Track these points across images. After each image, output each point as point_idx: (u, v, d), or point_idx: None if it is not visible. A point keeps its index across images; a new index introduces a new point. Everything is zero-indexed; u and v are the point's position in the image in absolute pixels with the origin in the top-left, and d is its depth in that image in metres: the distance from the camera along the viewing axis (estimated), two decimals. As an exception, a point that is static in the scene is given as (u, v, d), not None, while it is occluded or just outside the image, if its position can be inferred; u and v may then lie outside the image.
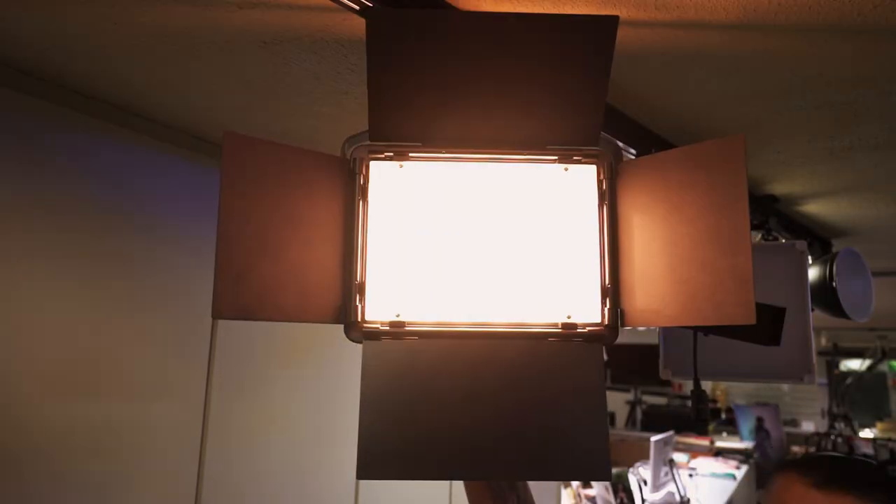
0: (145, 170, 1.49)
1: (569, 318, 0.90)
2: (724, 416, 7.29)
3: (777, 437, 5.85)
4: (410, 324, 0.89)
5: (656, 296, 0.87)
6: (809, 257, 1.88)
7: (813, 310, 1.79)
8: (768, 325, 1.13)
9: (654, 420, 6.45)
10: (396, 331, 0.89)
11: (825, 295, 2.06)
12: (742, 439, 5.97)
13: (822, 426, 7.05)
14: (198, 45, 1.11)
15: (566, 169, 0.94)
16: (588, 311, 0.91)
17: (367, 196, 0.91)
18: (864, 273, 2.23)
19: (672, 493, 3.44)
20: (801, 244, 1.63)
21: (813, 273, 2.07)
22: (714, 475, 4.44)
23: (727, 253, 0.80)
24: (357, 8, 0.92)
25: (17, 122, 1.26)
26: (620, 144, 1.35)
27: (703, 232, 0.83)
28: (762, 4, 0.93)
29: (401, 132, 0.92)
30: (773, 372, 1.55)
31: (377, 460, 0.83)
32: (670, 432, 3.81)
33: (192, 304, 1.55)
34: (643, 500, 3.31)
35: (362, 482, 1.96)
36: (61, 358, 1.31)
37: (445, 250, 0.91)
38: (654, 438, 3.54)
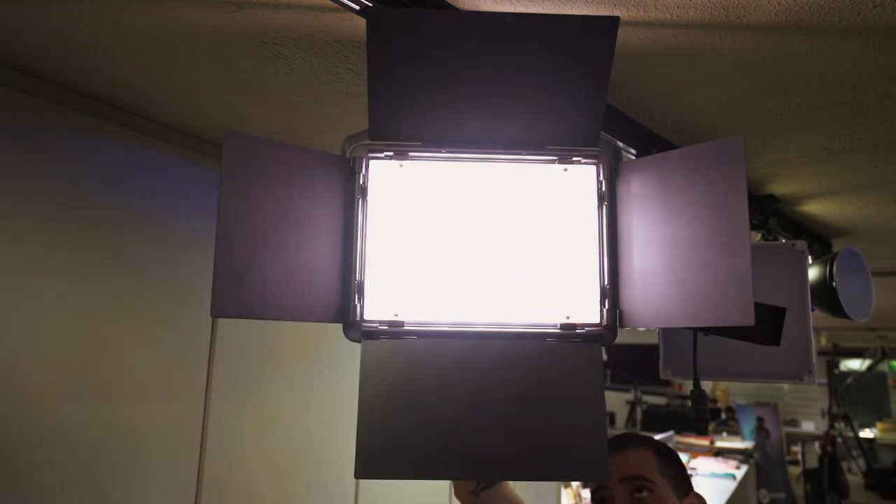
0: (145, 170, 1.49)
1: (568, 318, 0.90)
2: (723, 416, 7.30)
3: (777, 438, 5.85)
4: (409, 323, 0.89)
5: (655, 296, 0.87)
6: (809, 257, 1.88)
7: (813, 310, 1.79)
8: (768, 325, 1.13)
9: (654, 420, 6.45)
10: (395, 330, 0.89)
11: (825, 295, 2.06)
12: (743, 439, 5.98)
13: (822, 426, 7.05)
14: (198, 45, 1.11)
15: (566, 169, 0.94)
16: (587, 311, 0.91)
17: (366, 195, 0.91)
18: (864, 273, 2.23)
19: (672, 493, 3.44)
20: (801, 244, 1.63)
21: (813, 273, 2.07)
22: (714, 475, 4.44)
23: (726, 254, 0.80)
24: (357, 8, 0.92)
25: (17, 122, 1.26)
26: (620, 144, 1.36)
27: (703, 233, 0.83)
28: (762, 4, 0.93)
29: (401, 132, 0.92)
30: (773, 372, 1.55)
31: (376, 460, 0.83)
32: (670, 432, 3.81)
33: (192, 303, 1.56)
34: (643, 500, 3.31)
35: (362, 482, 1.96)
36: (61, 358, 1.31)
37: (444, 250, 0.91)
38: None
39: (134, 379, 1.43)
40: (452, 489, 1.17)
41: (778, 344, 1.11)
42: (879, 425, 7.95)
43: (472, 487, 1.10)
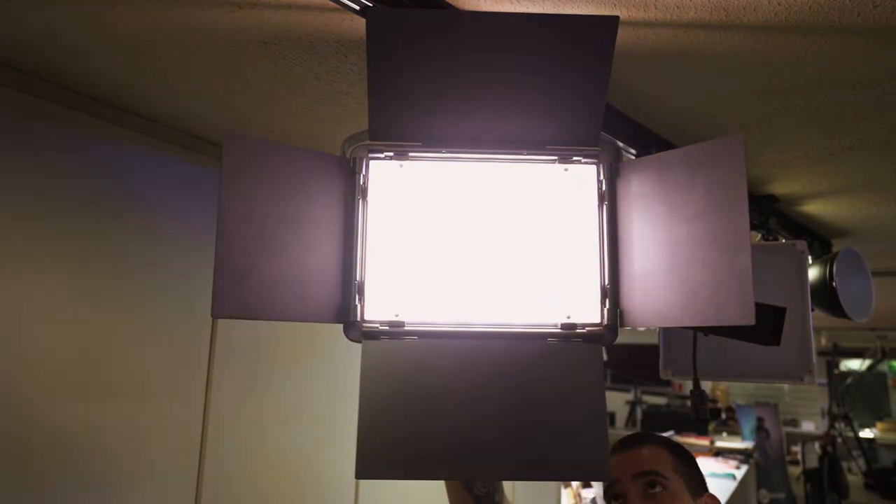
0: (145, 170, 1.49)
1: (568, 318, 0.90)
2: (723, 416, 7.30)
3: (777, 437, 5.85)
4: (409, 323, 0.89)
5: (656, 296, 0.87)
6: (809, 257, 1.88)
7: (813, 310, 1.79)
8: (768, 325, 1.13)
9: (654, 420, 6.45)
10: (395, 330, 0.89)
11: (825, 295, 2.06)
12: (743, 439, 5.98)
13: (822, 426, 7.05)
14: (198, 45, 1.11)
15: (566, 169, 0.94)
16: (587, 311, 0.91)
17: (366, 196, 0.91)
18: (864, 273, 2.23)
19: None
20: (801, 244, 1.63)
21: (813, 273, 2.07)
22: (714, 475, 4.43)
23: (727, 253, 0.80)
24: (357, 8, 0.92)
25: (18, 122, 1.26)
26: (620, 144, 1.36)
27: (703, 232, 0.83)
28: (762, 4, 0.93)
29: (401, 132, 0.92)
30: (773, 372, 1.54)
31: (376, 460, 0.83)
32: (670, 432, 3.81)
33: (193, 304, 1.55)
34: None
35: (362, 482, 1.96)
36: (61, 358, 1.31)
37: (445, 250, 0.91)
38: (654, 438, 3.53)
39: (134, 379, 1.43)
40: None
41: (778, 344, 1.11)
42: (879, 425, 7.95)
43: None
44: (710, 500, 1.16)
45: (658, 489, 1.10)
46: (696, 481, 1.16)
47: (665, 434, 3.75)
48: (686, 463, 1.17)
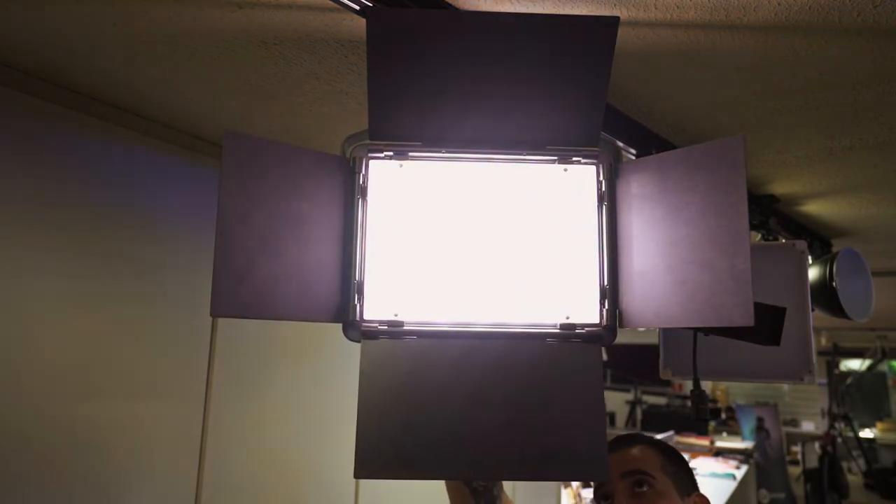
0: (145, 170, 1.49)
1: (567, 318, 0.90)
2: (723, 416, 7.30)
3: (777, 438, 5.85)
4: (409, 323, 0.89)
5: (655, 296, 0.87)
6: (809, 257, 1.88)
7: (813, 310, 1.79)
8: (768, 325, 1.13)
9: (654, 420, 6.46)
10: (395, 330, 0.89)
11: (825, 295, 2.06)
12: (743, 439, 5.98)
13: (822, 426, 7.05)
14: (198, 45, 1.11)
15: (566, 169, 0.94)
16: (587, 311, 0.91)
17: (366, 195, 0.91)
18: (864, 273, 2.23)
19: (672, 493, 3.43)
20: (801, 244, 1.63)
21: (813, 273, 2.07)
22: (714, 475, 4.44)
23: (726, 254, 0.80)
24: (357, 8, 0.92)
25: (17, 122, 1.26)
26: (620, 144, 1.36)
27: (703, 233, 0.83)
28: (762, 4, 0.93)
29: (401, 131, 0.92)
30: (773, 372, 1.54)
31: (375, 460, 0.83)
32: (670, 432, 3.81)
33: (192, 303, 1.56)
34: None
35: (362, 482, 1.96)
36: (62, 358, 1.31)
37: (444, 250, 0.91)
38: (653, 438, 3.53)
39: (134, 379, 1.43)
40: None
41: (778, 344, 1.11)
42: (879, 425, 7.96)
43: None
44: (699, 500, 1.17)
45: (645, 488, 1.11)
46: (686, 481, 1.17)
47: (665, 434, 3.75)
48: (675, 463, 1.18)
